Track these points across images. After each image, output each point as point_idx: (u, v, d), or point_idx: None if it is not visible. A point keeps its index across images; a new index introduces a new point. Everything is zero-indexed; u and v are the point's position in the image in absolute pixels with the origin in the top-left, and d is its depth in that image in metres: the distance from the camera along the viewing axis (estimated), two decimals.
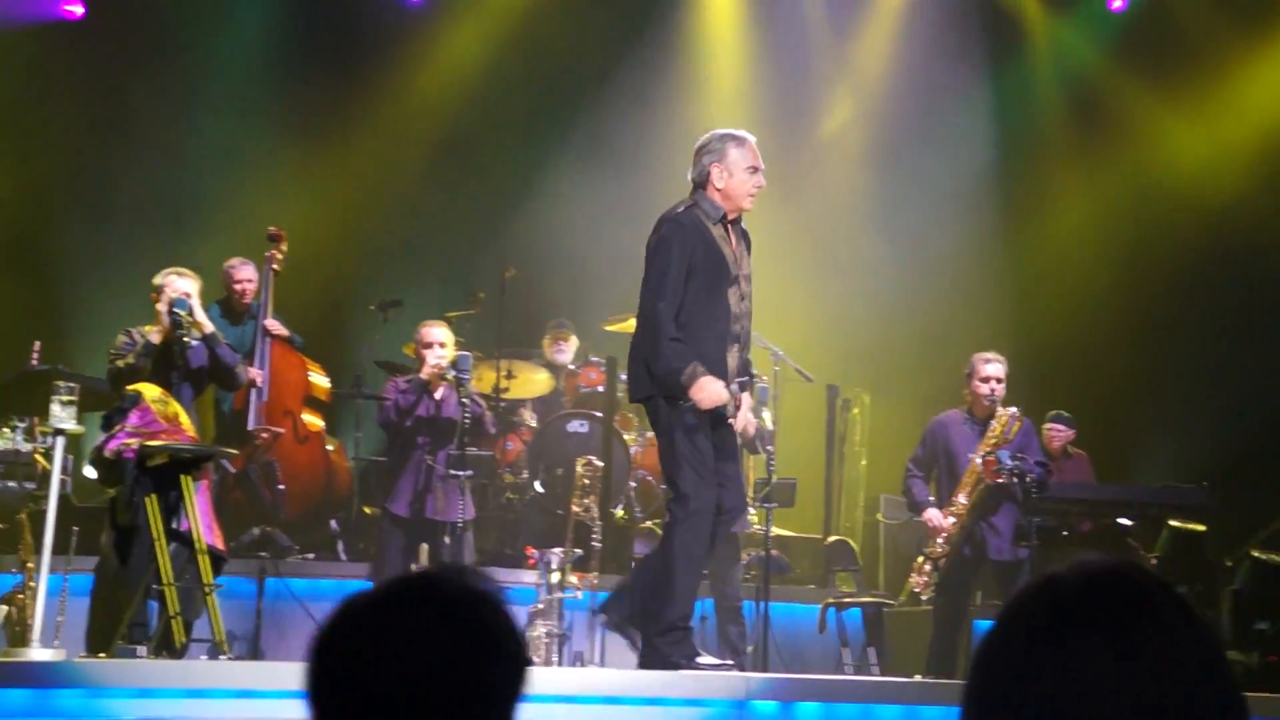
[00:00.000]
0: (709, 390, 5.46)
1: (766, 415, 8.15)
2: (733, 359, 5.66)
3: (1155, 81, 11.54)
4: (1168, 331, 11.38)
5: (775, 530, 8.03)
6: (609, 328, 9.55)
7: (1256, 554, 9.55)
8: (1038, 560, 7.61)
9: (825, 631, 8.18)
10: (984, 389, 8.01)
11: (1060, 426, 10.00)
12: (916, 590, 7.94)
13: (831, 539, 9.31)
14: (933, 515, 7.96)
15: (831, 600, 8.33)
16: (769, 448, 7.71)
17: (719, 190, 5.64)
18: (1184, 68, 11.48)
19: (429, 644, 1.50)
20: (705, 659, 5.73)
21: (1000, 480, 7.86)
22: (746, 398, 5.96)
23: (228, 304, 8.74)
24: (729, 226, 5.71)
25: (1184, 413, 11.20)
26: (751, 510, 8.03)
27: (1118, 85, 11.70)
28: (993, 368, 8.05)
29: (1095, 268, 11.19)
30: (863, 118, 11.67)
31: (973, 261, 11.13)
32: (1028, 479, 7.86)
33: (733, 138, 5.69)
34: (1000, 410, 7.99)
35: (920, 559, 7.97)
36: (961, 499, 7.90)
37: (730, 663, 6.02)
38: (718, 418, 5.62)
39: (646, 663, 5.66)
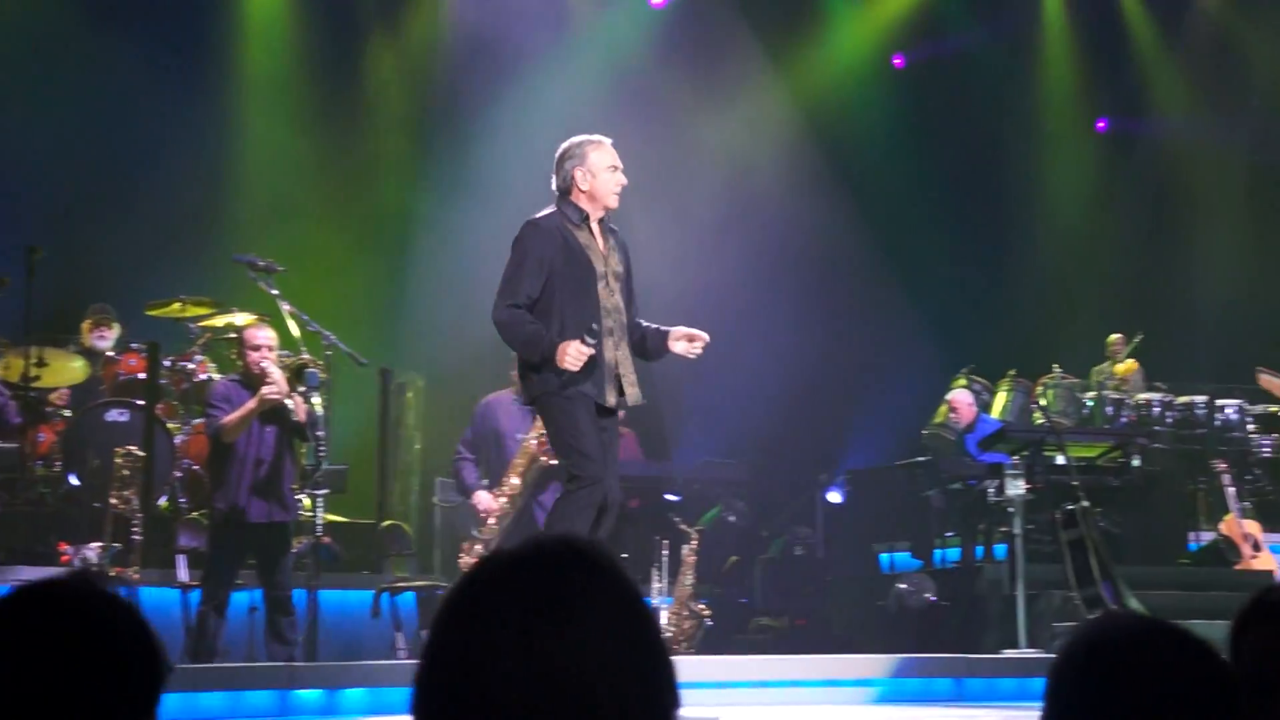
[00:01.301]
0: (568, 352, 5.55)
1: (317, 400, 7.98)
2: (609, 352, 5.78)
3: (695, 73, 11.98)
4: (709, 315, 11.83)
5: (327, 517, 7.88)
6: (151, 313, 9.16)
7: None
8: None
9: (379, 617, 8.10)
10: None
11: None
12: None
13: (385, 524, 9.21)
14: (481, 497, 7.99)
15: (385, 585, 8.25)
16: (319, 433, 7.56)
17: (584, 193, 5.83)
18: (721, 60, 12.00)
19: (55, 656, 1.40)
20: None
21: (555, 462, 7.94)
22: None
23: None
24: (596, 226, 5.91)
25: (728, 390, 11.66)
26: (302, 497, 7.88)
27: (661, 75, 12.09)
28: None
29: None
30: (406, 85, 11.59)
31: None
32: None
33: (591, 142, 5.88)
34: None
35: (468, 541, 7.99)
36: (514, 480, 7.93)
37: None
38: (600, 411, 5.75)
39: None
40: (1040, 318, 12.59)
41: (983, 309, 12.35)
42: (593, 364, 5.65)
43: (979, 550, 9.27)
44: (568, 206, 5.85)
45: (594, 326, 5.71)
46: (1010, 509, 8.21)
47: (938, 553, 9.58)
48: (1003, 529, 8.88)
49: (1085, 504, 7.88)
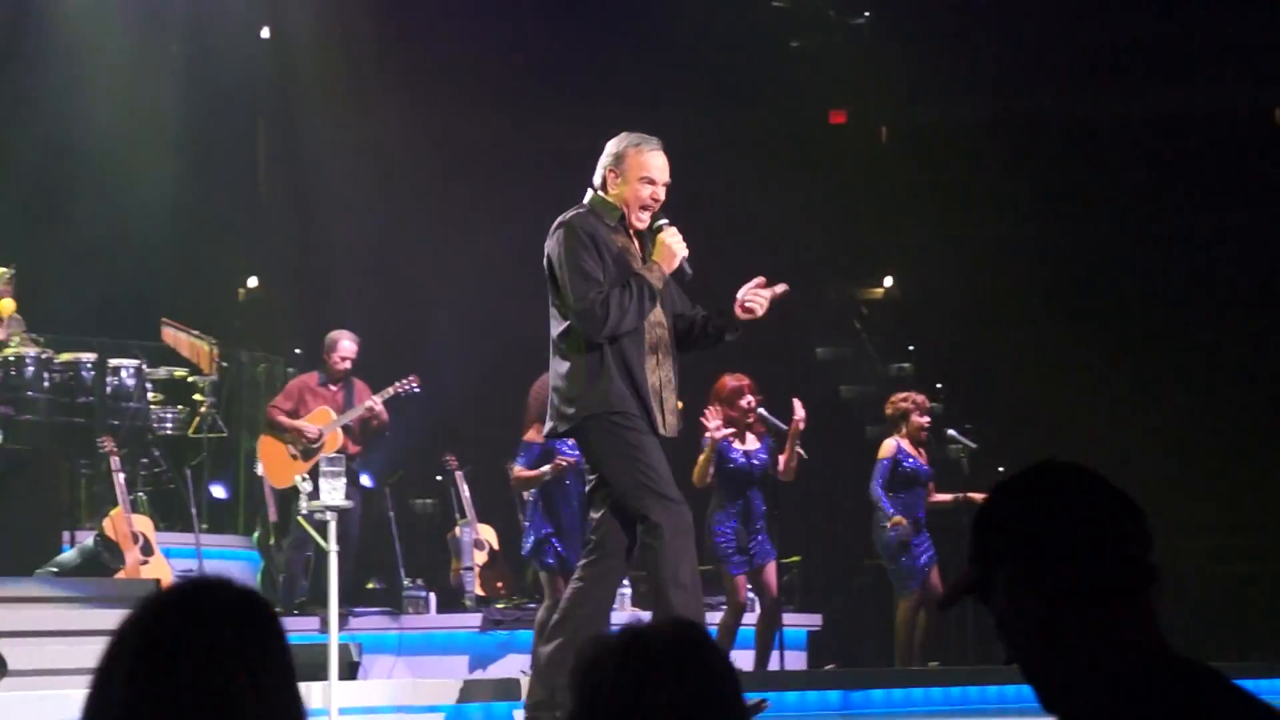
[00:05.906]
0: (670, 245, 5.42)
1: None
2: (651, 373, 5.44)
3: None
4: None
5: None
6: None
7: None
8: None
9: None
10: None
11: None
12: None
13: None
14: None
15: None
16: None
17: (614, 195, 5.54)
18: None
19: None
20: None
21: None
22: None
23: None
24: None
25: None
26: None
27: None
28: None
29: None
30: None
31: None
32: None
33: (636, 145, 5.53)
34: None
35: None
36: None
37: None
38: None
39: None
40: None
41: None
42: (636, 386, 5.37)
43: None
44: (602, 206, 5.52)
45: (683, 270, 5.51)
46: None
47: None
48: None
49: None
